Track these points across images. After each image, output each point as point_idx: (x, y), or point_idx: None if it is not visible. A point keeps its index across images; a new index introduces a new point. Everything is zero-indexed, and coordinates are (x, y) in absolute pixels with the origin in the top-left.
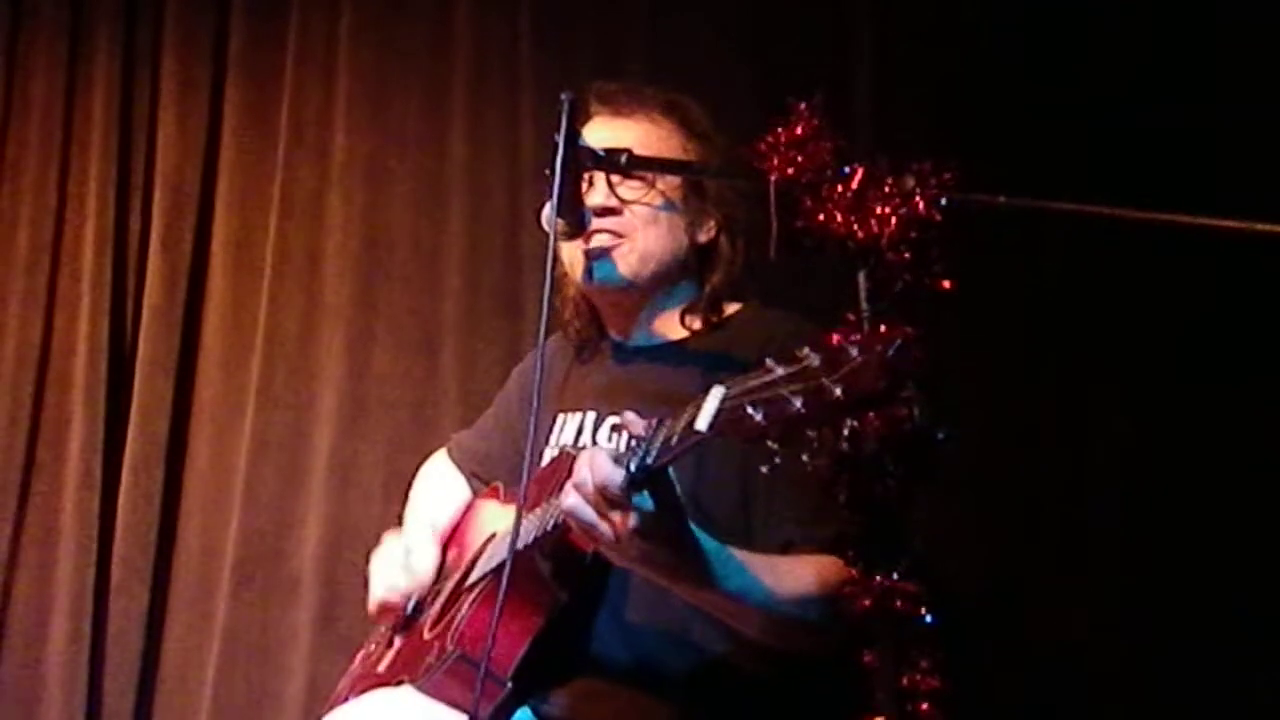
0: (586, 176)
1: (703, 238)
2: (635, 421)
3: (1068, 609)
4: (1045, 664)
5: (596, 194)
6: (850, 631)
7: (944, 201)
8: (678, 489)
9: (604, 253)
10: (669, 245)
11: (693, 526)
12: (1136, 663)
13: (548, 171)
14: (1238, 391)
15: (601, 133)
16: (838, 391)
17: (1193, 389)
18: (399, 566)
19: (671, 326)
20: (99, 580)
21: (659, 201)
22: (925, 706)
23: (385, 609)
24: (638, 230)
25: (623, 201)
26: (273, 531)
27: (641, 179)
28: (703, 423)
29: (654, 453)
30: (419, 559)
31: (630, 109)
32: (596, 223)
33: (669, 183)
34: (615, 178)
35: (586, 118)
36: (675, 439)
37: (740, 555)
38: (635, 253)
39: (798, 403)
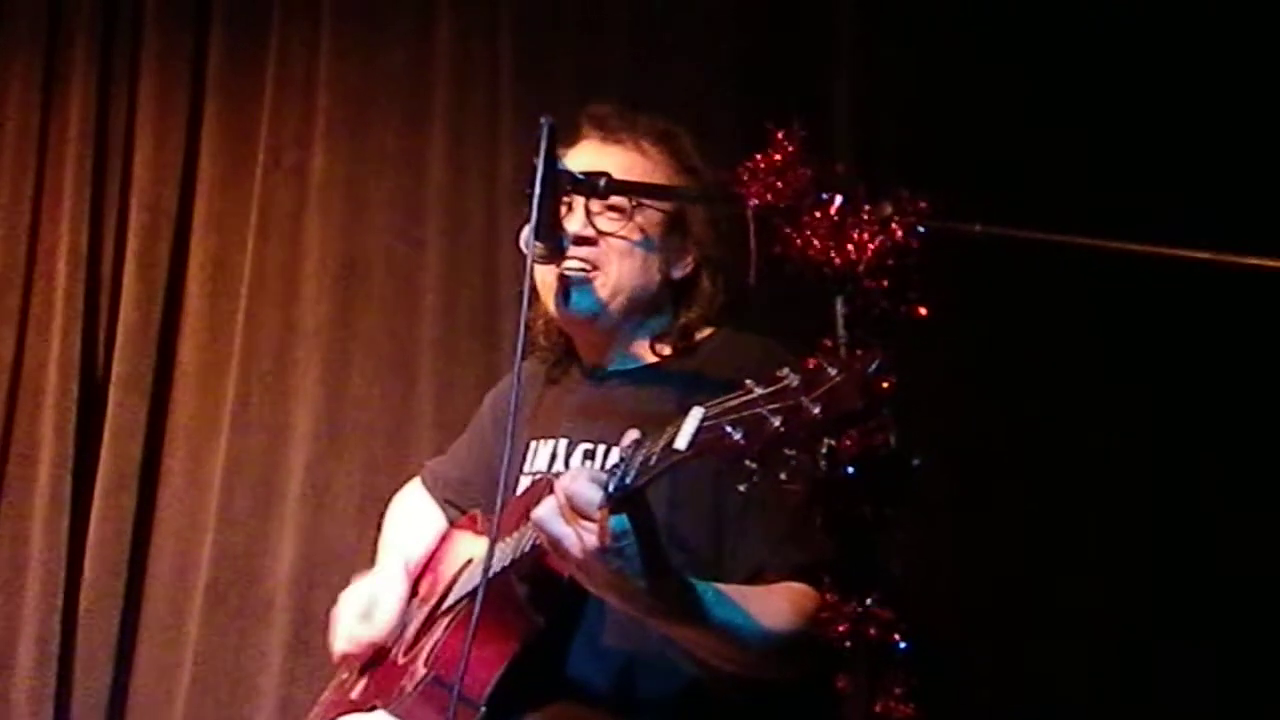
0: (567, 200)
1: (678, 274)
2: (634, 435)
3: (1041, 635)
4: (1017, 691)
5: (574, 221)
6: (822, 660)
7: (921, 229)
8: (653, 513)
9: (577, 281)
10: (641, 280)
11: (670, 559)
12: (1110, 689)
13: (527, 191)
14: (1220, 417)
15: (588, 157)
16: (816, 410)
17: (1173, 413)
18: (361, 618)
19: (643, 352)
20: (68, 603)
21: (636, 235)
22: None
23: (346, 659)
24: (612, 263)
25: (599, 232)
26: (246, 554)
27: (620, 211)
28: (682, 442)
29: (633, 473)
30: (381, 612)
31: (619, 135)
32: (572, 250)
33: (649, 217)
34: (595, 206)
35: (577, 138)
36: (655, 459)
37: (715, 588)
38: (607, 285)
39: (776, 421)
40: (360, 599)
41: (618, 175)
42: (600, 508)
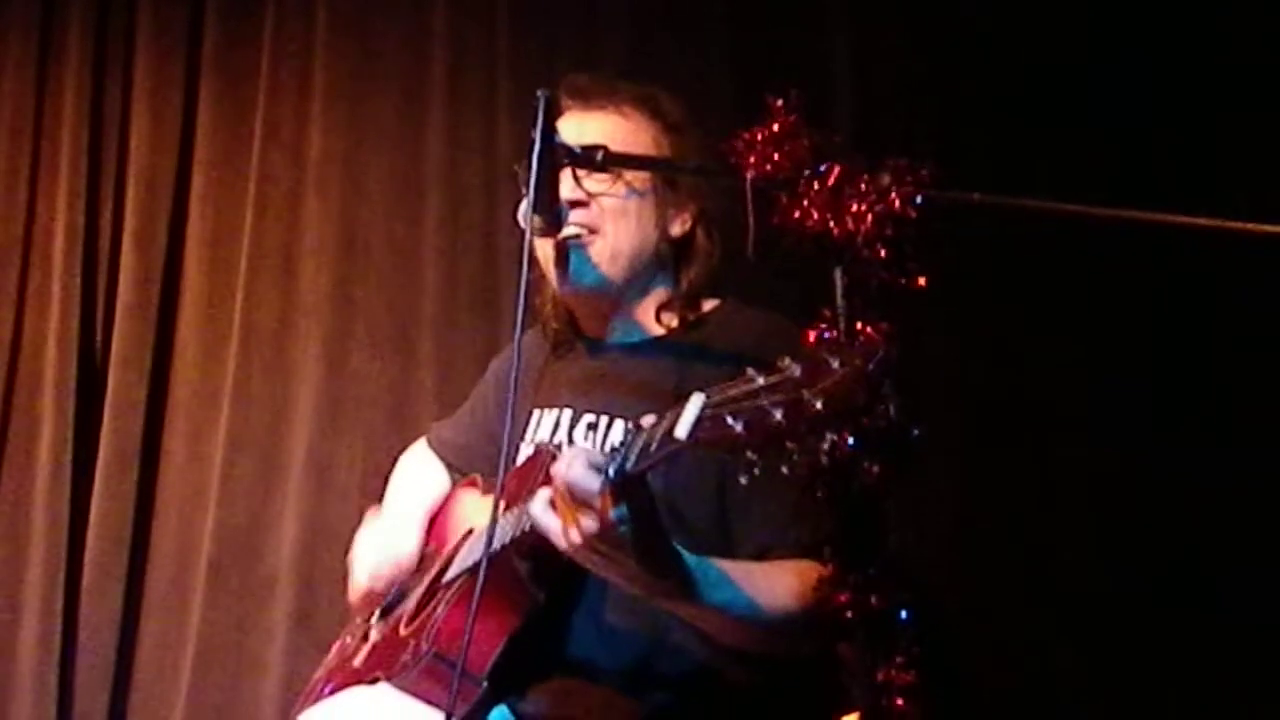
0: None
1: (676, 230)
2: (649, 419)
3: (1042, 604)
4: (1018, 659)
5: (563, 187)
6: (827, 635)
7: (919, 199)
8: (653, 497)
9: (575, 247)
10: (640, 239)
11: (672, 540)
12: (1106, 659)
13: (516, 168)
14: (1215, 392)
15: (571, 128)
16: (818, 405)
17: (1176, 385)
18: (382, 551)
19: (647, 322)
20: (70, 581)
21: (626, 193)
22: (900, 701)
23: (369, 595)
24: (607, 223)
25: (589, 194)
26: (248, 530)
27: (607, 170)
28: (682, 430)
29: (633, 459)
30: (401, 543)
31: (600, 102)
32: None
33: (638, 174)
34: (581, 170)
35: (559, 112)
36: (654, 446)
37: (720, 566)
38: (607, 249)
39: (778, 414)
40: (378, 536)
41: (600, 142)
42: (600, 494)
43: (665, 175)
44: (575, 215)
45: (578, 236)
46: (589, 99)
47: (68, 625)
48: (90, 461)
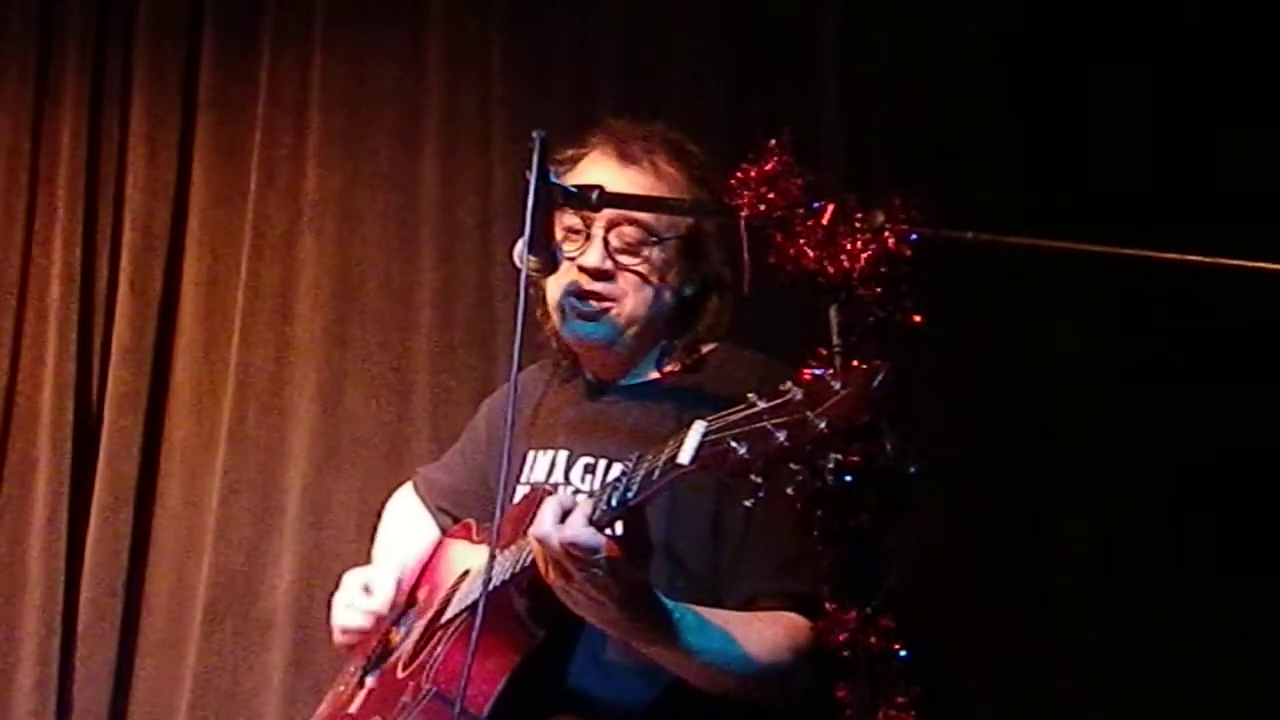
0: (582, 232)
1: (688, 291)
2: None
3: (1042, 642)
4: (1019, 697)
5: (592, 254)
6: (813, 686)
7: (914, 236)
8: (650, 537)
9: (590, 315)
10: (655, 308)
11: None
12: (1111, 697)
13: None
14: (1219, 420)
15: (604, 175)
16: (822, 425)
17: (1170, 417)
18: (357, 605)
19: (648, 368)
20: (66, 625)
21: (654, 268)
22: None
23: (347, 648)
24: (628, 295)
25: (618, 266)
26: (245, 572)
27: (640, 244)
28: (685, 456)
29: (635, 487)
30: (377, 594)
31: (637, 155)
32: (587, 281)
33: (665, 247)
34: (614, 241)
35: (590, 148)
36: (657, 473)
37: (698, 613)
38: (622, 316)
39: (781, 436)
40: (357, 582)
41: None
42: (598, 525)
43: (688, 246)
44: (597, 285)
45: (597, 303)
46: (626, 151)
47: (63, 670)
48: (86, 505)
